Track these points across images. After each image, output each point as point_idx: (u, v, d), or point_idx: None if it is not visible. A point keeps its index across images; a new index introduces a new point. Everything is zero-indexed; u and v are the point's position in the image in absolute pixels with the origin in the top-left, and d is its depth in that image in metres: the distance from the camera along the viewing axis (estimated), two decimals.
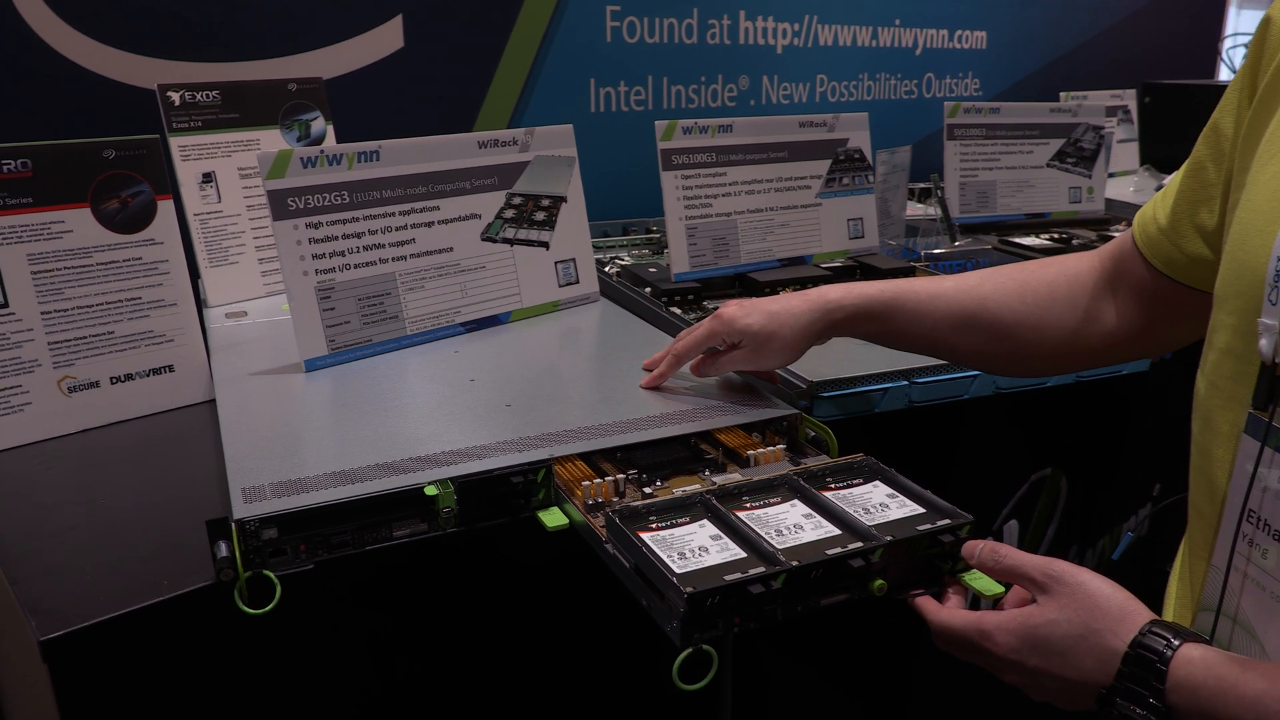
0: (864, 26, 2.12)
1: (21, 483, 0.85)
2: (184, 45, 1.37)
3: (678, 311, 1.24)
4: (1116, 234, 1.74)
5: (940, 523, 0.69)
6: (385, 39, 1.53)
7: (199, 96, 1.21)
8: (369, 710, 0.82)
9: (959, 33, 2.31)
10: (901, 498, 0.73)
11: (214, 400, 0.94)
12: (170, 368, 1.00)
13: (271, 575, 0.68)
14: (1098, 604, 0.59)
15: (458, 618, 0.84)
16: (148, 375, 0.98)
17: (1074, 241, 1.66)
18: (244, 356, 1.04)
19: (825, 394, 0.97)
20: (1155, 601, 0.74)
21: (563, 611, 0.89)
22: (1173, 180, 0.75)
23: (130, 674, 0.68)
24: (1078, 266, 0.82)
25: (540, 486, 0.77)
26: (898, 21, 2.18)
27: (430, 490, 0.73)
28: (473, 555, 0.82)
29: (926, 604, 0.67)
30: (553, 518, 0.76)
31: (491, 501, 0.76)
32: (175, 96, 1.19)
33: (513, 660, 0.88)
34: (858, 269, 1.45)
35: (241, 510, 0.68)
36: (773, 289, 1.33)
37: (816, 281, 1.36)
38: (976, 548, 0.67)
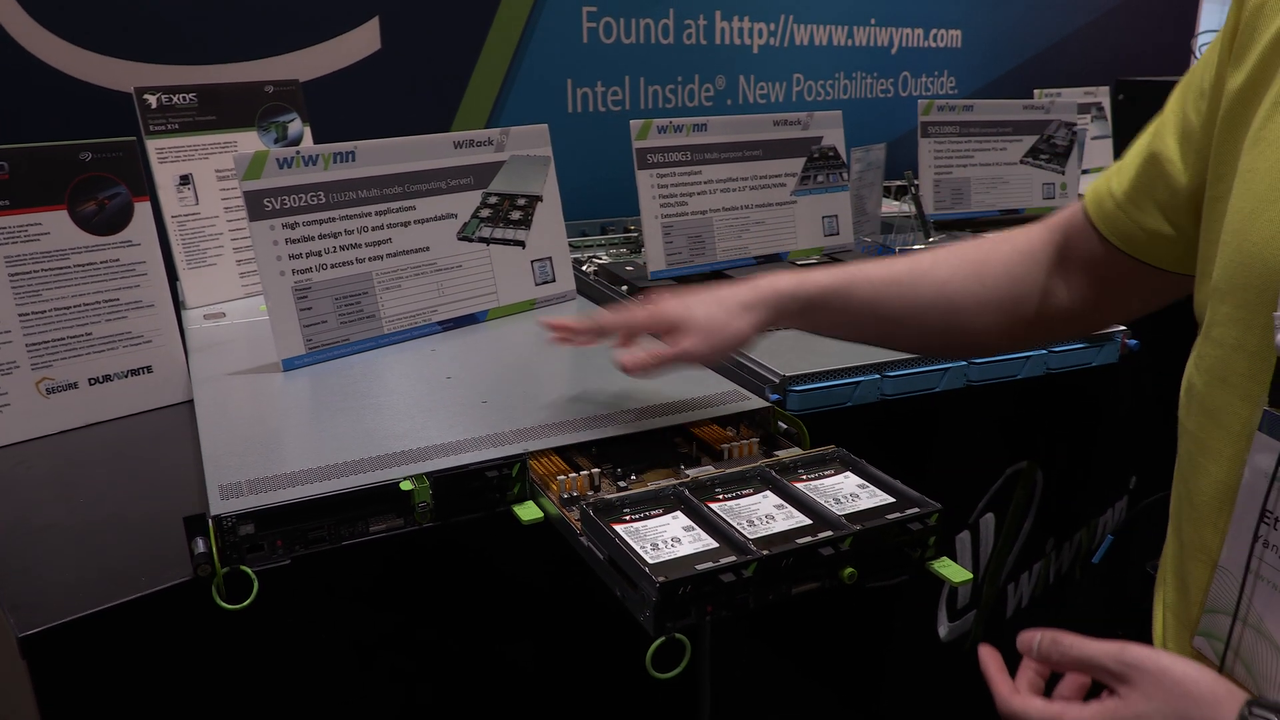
0: (840, 26, 2.13)
1: (0, 483, 0.85)
2: (161, 48, 1.37)
3: None
4: None
5: (909, 511, 0.70)
6: (362, 41, 1.54)
7: (176, 99, 1.21)
8: (348, 703, 0.83)
9: (934, 31, 2.33)
10: (872, 488, 0.74)
11: (192, 401, 0.94)
12: (148, 369, 1.00)
13: (249, 571, 0.69)
14: (1187, 690, 0.54)
15: (434, 611, 0.85)
16: (126, 376, 0.99)
17: None
18: (222, 357, 1.04)
19: (797, 388, 0.98)
20: (1145, 599, 0.73)
21: (539, 604, 0.90)
22: (1129, 154, 0.72)
23: (109, 669, 0.68)
24: (1029, 242, 0.79)
25: (515, 481, 0.78)
26: (873, 21, 2.20)
27: (406, 485, 0.74)
28: (449, 549, 0.83)
29: (999, 683, 0.62)
30: (528, 511, 0.77)
31: (467, 496, 0.77)
32: (152, 99, 1.20)
33: (490, 652, 0.89)
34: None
35: (219, 506, 0.69)
36: None
37: None
38: (1035, 638, 0.62)
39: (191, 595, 0.68)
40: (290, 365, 1.00)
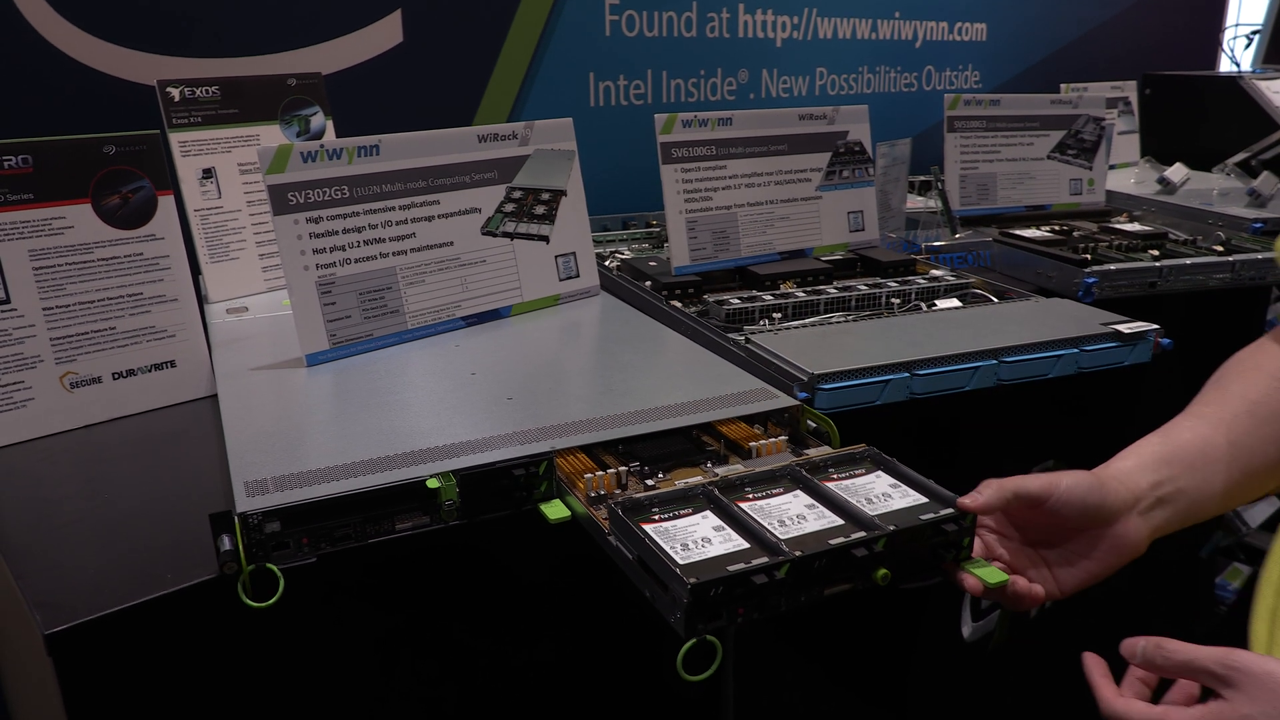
0: (863, 19, 2.11)
1: (25, 478, 0.85)
2: (184, 41, 1.37)
3: (678, 305, 1.24)
4: (1118, 225, 1.74)
5: (943, 512, 0.69)
6: (384, 34, 1.53)
7: (199, 92, 1.21)
8: (372, 701, 0.82)
9: (959, 25, 2.30)
10: (904, 487, 0.73)
11: (215, 395, 0.94)
12: (172, 363, 1.00)
13: (274, 568, 0.68)
14: None
15: (459, 609, 0.85)
16: (149, 371, 0.99)
17: (1075, 233, 1.65)
18: (245, 352, 1.04)
19: (826, 386, 0.97)
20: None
21: (564, 604, 0.90)
22: None
23: (135, 667, 0.68)
24: None
25: (542, 479, 0.78)
26: (897, 14, 2.17)
27: (432, 483, 0.73)
28: (475, 547, 0.82)
29: (1103, 688, 0.63)
30: (555, 510, 0.76)
31: (493, 494, 0.76)
32: (175, 92, 1.19)
33: (515, 652, 0.89)
34: (858, 262, 1.45)
35: (244, 504, 0.69)
36: (773, 282, 1.33)
37: (818, 275, 1.36)
38: (1138, 644, 0.62)
39: (217, 593, 0.67)
40: (314, 360, 1.00)
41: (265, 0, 1.42)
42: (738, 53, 1.95)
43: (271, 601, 0.67)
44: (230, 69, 1.40)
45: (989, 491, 0.72)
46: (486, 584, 0.85)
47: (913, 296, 1.30)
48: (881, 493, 0.72)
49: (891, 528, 0.66)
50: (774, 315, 1.22)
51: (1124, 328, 1.12)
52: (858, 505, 0.70)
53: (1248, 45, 2.77)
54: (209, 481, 0.82)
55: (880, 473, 0.76)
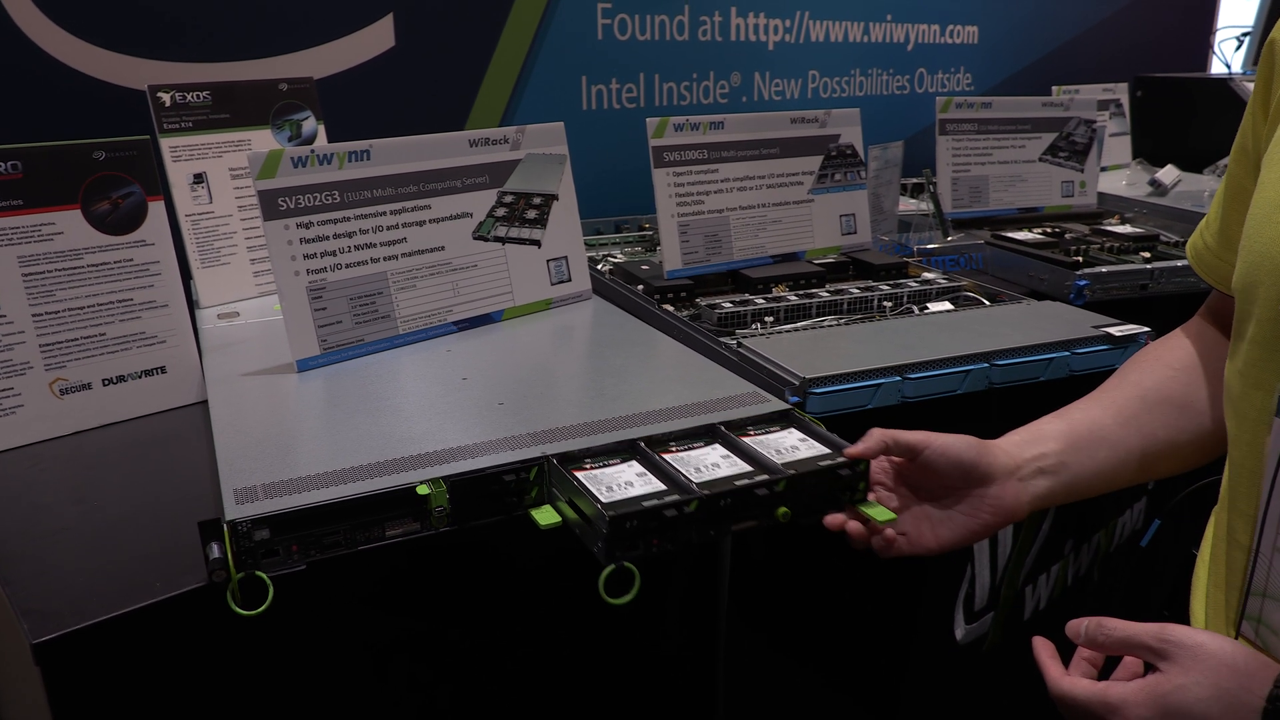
0: (855, 22, 2.12)
1: (14, 485, 0.85)
2: (174, 45, 1.37)
3: (670, 309, 1.24)
4: (1109, 227, 1.75)
5: (839, 459, 0.77)
6: (376, 38, 1.53)
7: (190, 97, 1.21)
8: (364, 710, 0.82)
9: (951, 27, 2.31)
10: (811, 441, 0.81)
11: (206, 401, 0.93)
12: (162, 369, 0.99)
13: (264, 576, 0.68)
14: (1223, 662, 0.58)
15: (450, 615, 0.84)
16: (140, 377, 0.98)
17: (1066, 235, 1.66)
18: (236, 357, 1.04)
19: (818, 390, 0.97)
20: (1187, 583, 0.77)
21: (556, 608, 0.89)
22: (1213, 204, 0.77)
23: (124, 676, 0.68)
24: (1198, 342, 0.81)
25: (533, 484, 0.78)
26: (889, 17, 2.18)
27: (423, 489, 0.73)
28: (466, 553, 0.82)
29: (1050, 668, 0.66)
30: (545, 516, 0.76)
31: (484, 500, 0.76)
32: (166, 97, 1.19)
33: (507, 657, 0.88)
34: (850, 265, 1.45)
35: (234, 511, 0.68)
36: (766, 286, 1.33)
37: (810, 278, 1.36)
38: (1082, 625, 0.65)
39: (206, 601, 0.67)
40: (305, 366, 0.99)
41: (257, 4, 1.42)
42: (730, 56, 1.95)
43: (261, 610, 0.67)
44: (221, 73, 1.40)
45: (872, 439, 0.78)
46: (478, 589, 0.85)
47: (905, 299, 1.30)
48: (790, 445, 0.81)
49: (791, 472, 0.75)
50: (766, 319, 1.22)
51: (1115, 330, 1.12)
52: (766, 455, 0.78)
53: (1238, 47, 2.78)
54: (199, 488, 0.81)
55: (792, 429, 0.84)
